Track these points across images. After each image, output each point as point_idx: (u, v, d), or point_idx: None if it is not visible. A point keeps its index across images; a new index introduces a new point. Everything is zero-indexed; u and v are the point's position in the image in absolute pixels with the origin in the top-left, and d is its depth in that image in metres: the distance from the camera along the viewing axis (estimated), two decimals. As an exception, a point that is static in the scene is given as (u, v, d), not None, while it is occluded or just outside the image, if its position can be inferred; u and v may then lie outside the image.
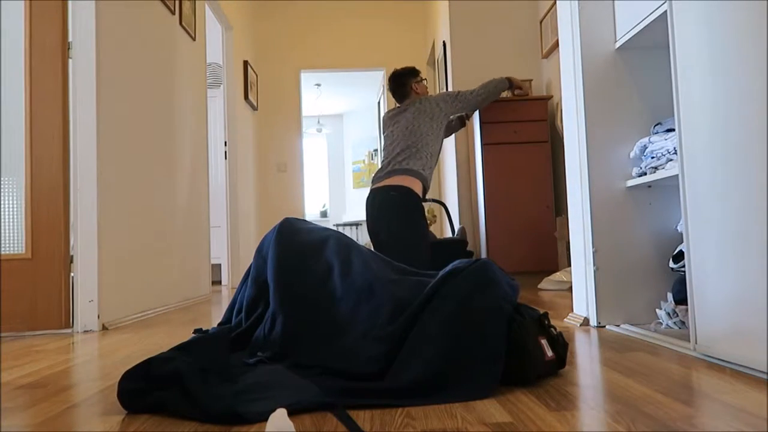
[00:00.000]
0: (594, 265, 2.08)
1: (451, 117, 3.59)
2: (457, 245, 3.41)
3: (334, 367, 1.36)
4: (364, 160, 10.89)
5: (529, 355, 1.27)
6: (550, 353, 1.32)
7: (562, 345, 1.36)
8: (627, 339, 1.84)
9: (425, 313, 1.34)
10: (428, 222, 4.54)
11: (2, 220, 2.56)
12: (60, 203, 2.56)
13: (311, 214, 10.31)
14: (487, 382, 1.22)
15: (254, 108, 6.59)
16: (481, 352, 1.26)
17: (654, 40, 1.99)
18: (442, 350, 1.26)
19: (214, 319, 2.85)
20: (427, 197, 4.12)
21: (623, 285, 2.08)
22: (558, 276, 3.68)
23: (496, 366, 1.24)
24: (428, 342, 1.28)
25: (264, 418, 0.99)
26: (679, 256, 1.95)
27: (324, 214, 10.85)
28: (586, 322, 2.12)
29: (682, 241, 1.98)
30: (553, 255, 4.56)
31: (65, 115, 2.59)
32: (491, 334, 1.27)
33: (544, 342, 1.32)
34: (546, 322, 1.37)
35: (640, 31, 1.94)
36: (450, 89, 5.51)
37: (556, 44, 4.74)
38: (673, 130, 1.86)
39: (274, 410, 0.96)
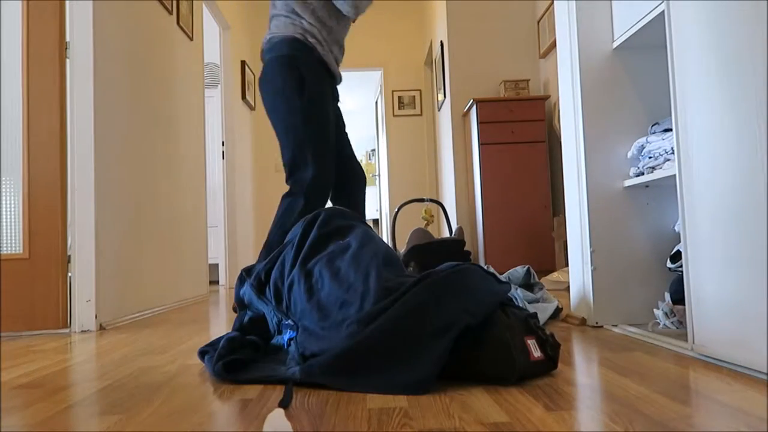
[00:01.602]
0: (591, 264, 2.08)
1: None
2: (455, 245, 3.41)
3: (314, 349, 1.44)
4: (361, 160, 10.89)
5: (511, 355, 1.28)
6: (537, 354, 1.32)
7: (551, 345, 1.36)
8: (624, 339, 1.85)
9: (382, 317, 1.35)
10: (426, 222, 4.55)
11: (0, 220, 2.56)
12: (57, 203, 2.56)
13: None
14: (408, 380, 1.25)
15: (252, 108, 6.59)
16: (409, 360, 1.29)
17: (652, 39, 2.00)
18: (379, 346, 1.31)
19: (211, 318, 2.85)
20: (425, 197, 4.10)
21: (621, 285, 2.08)
22: (555, 276, 3.69)
23: (427, 367, 1.26)
24: (374, 339, 1.32)
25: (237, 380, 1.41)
26: (676, 256, 1.95)
27: (322, 214, 10.85)
28: (583, 321, 2.13)
29: (679, 241, 1.99)
30: (550, 255, 4.57)
31: (63, 115, 2.59)
32: (433, 347, 1.28)
33: (531, 342, 1.32)
34: (534, 323, 1.37)
35: (638, 30, 1.94)
36: (448, 88, 5.52)
37: (554, 44, 4.75)
38: (671, 129, 1.87)
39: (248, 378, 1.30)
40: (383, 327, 1.32)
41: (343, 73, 8.00)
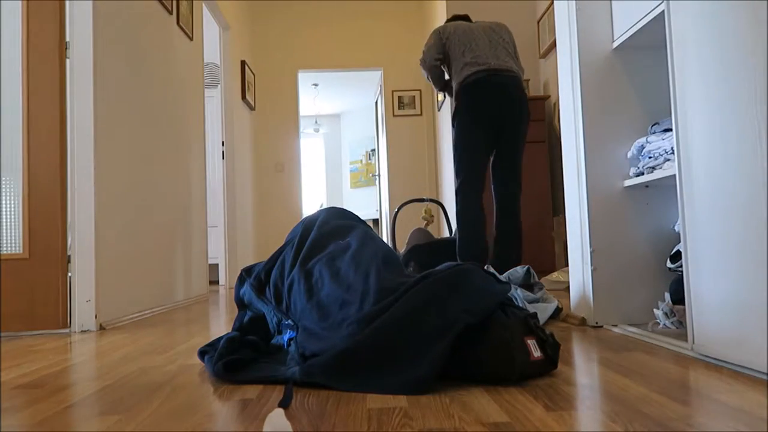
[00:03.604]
0: (591, 264, 2.08)
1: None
2: (455, 245, 3.41)
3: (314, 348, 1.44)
4: (361, 160, 10.89)
5: (511, 355, 1.28)
6: (537, 353, 1.32)
7: (551, 345, 1.36)
8: (624, 339, 1.85)
9: (382, 317, 1.35)
10: (426, 222, 4.54)
11: (0, 220, 2.56)
12: (57, 203, 2.56)
13: (308, 214, 10.33)
14: (408, 379, 1.25)
15: (252, 108, 6.59)
16: (412, 357, 1.29)
17: (651, 40, 2.00)
18: (380, 345, 1.32)
19: (211, 318, 2.85)
20: (425, 197, 4.12)
21: (620, 285, 2.08)
22: (555, 276, 3.68)
23: (427, 367, 1.26)
24: (373, 339, 1.33)
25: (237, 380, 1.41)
26: (676, 256, 1.95)
27: (321, 214, 10.84)
28: (583, 321, 2.13)
29: (679, 241, 1.99)
30: (550, 255, 4.57)
31: (62, 114, 2.59)
32: (433, 346, 1.28)
33: (531, 342, 1.32)
34: (534, 323, 1.37)
35: (638, 30, 1.94)
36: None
37: (554, 44, 4.75)
38: (671, 129, 1.87)
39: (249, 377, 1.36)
40: (383, 327, 1.32)
41: (343, 73, 8.00)
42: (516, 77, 3.21)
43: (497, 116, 3.15)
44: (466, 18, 3.60)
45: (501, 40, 3.31)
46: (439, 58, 3.30)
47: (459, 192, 3.20)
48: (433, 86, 3.50)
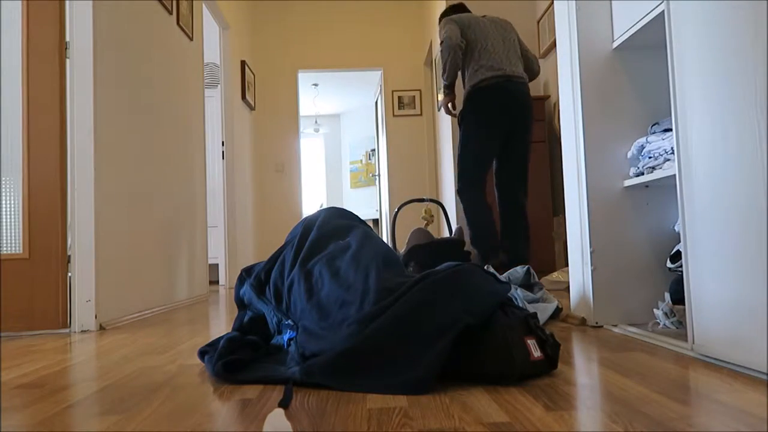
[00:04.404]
0: (591, 264, 2.08)
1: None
2: (455, 245, 3.41)
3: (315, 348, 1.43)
4: (361, 160, 10.89)
5: (510, 355, 1.28)
6: (537, 353, 1.32)
7: (551, 345, 1.36)
8: (624, 339, 1.85)
9: (382, 317, 1.35)
10: (426, 222, 4.54)
11: (0, 220, 2.56)
12: (57, 203, 2.56)
13: (308, 214, 10.33)
14: (408, 379, 1.25)
15: (252, 108, 6.59)
16: (415, 357, 1.29)
17: (652, 39, 2.00)
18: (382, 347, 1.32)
19: (211, 318, 2.85)
20: (425, 197, 4.14)
21: (620, 285, 2.08)
22: (555, 276, 3.68)
23: (426, 367, 1.26)
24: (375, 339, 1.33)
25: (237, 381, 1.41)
26: (676, 256, 1.95)
27: (321, 214, 10.84)
28: (583, 321, 2.13)
29: (679, 241, 1.99)
30: (550, 255, 4.57)
31: (62, 114, 2.59)
32: (433, 346, 1.28)
33: (531, 342, 1.32)
34: (534, 323, 1.37)
35: (638, 30, 1.94)
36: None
37: (554, 44, 4.75)
38: (671, 129, 1.87)
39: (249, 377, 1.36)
40: (383, 327, 1.32)
41: (343, 73, 8.01)
42: (525, 83, 3.26)
43: (508, 122, 3.18)
44: (464, 7, 3.57)
45: (512, 40, 3.34)
46: (463, 40, 3.29)
47: (463, 191, 3.22)
48: (444, 77, 3.37)
